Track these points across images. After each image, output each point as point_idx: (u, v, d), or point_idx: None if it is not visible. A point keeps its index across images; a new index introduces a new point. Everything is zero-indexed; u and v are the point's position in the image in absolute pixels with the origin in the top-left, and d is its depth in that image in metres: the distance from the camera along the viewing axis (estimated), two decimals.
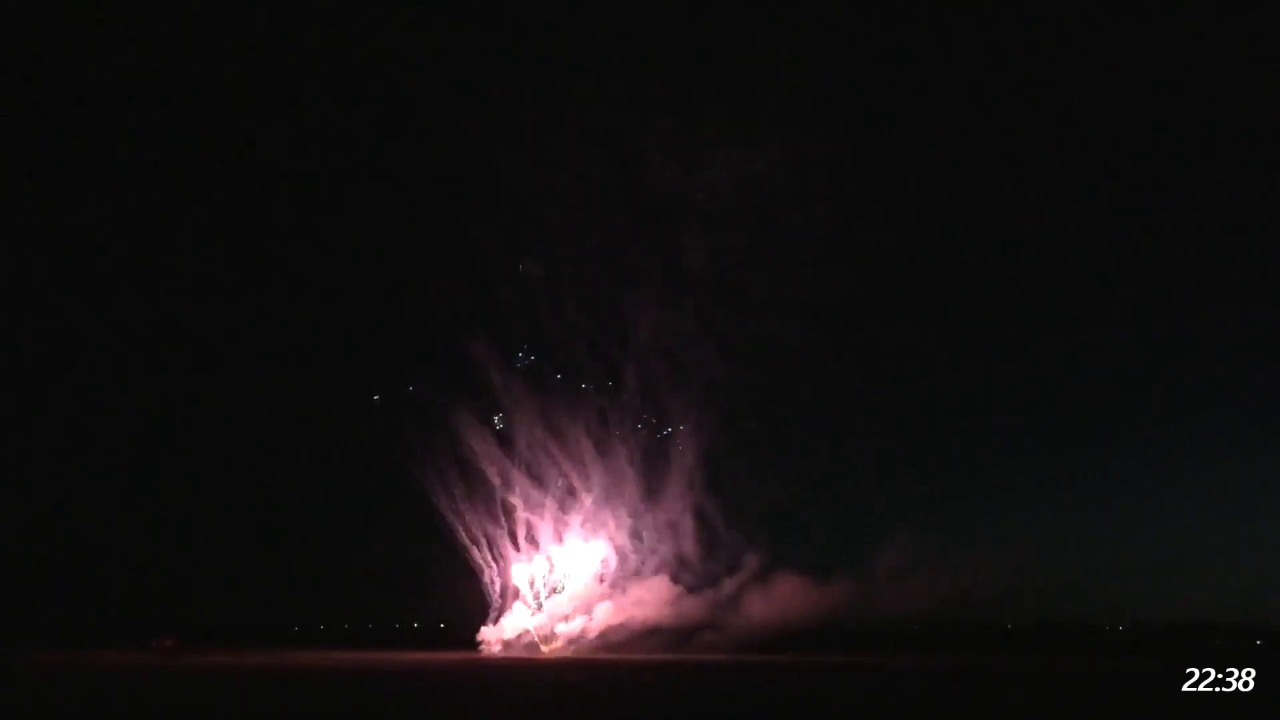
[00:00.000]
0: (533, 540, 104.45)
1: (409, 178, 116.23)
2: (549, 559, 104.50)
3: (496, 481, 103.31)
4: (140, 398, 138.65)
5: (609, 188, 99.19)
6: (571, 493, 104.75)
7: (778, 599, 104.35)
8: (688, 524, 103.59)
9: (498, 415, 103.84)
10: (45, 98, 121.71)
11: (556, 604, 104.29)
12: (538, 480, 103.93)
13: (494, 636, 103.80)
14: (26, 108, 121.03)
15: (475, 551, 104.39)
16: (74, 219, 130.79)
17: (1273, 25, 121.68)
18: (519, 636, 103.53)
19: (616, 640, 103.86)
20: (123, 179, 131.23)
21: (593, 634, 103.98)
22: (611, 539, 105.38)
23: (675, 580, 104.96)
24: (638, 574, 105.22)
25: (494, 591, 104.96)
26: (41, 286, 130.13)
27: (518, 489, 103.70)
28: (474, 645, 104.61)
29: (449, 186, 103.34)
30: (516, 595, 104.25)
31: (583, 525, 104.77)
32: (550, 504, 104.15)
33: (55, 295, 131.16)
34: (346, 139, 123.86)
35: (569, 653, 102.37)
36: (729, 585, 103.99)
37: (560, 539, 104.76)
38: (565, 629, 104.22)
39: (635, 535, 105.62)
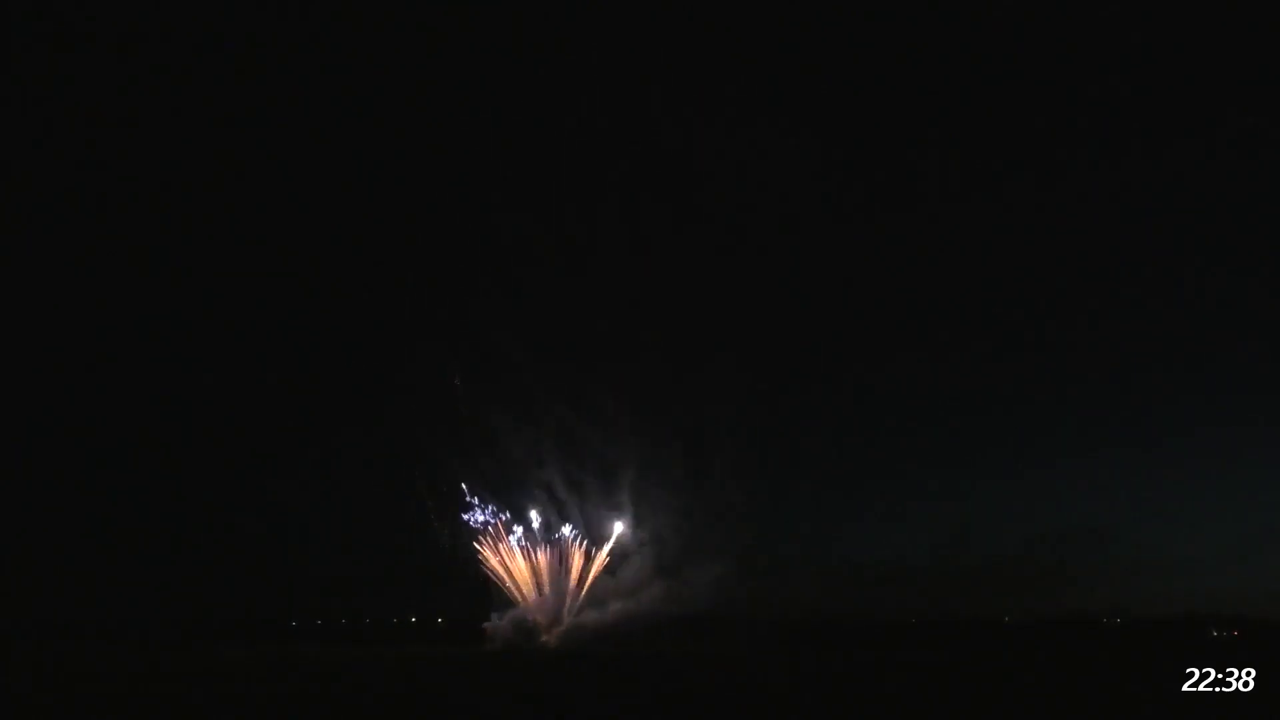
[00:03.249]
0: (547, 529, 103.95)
1: (408, 172, 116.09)
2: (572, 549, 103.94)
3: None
4: (142, 397, 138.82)
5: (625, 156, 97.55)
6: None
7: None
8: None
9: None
10: (46, 98, 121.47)
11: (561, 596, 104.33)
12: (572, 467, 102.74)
13: (497, 626, 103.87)
14: (27, 108, 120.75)
15: (482, 540, 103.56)
16: (75, 220, 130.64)
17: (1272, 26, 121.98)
18: (520, 625, 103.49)
19: (620, 632, 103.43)
20: (127, 178, 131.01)
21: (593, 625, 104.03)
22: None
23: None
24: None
25: (501, 582, 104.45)
26: (42, 286, 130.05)
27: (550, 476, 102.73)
28: (476, 637, 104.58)
29: (456, 178, 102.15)
30: (522, 586, 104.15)
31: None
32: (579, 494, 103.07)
33: (56, 295, 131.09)
34: (348, 133, 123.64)
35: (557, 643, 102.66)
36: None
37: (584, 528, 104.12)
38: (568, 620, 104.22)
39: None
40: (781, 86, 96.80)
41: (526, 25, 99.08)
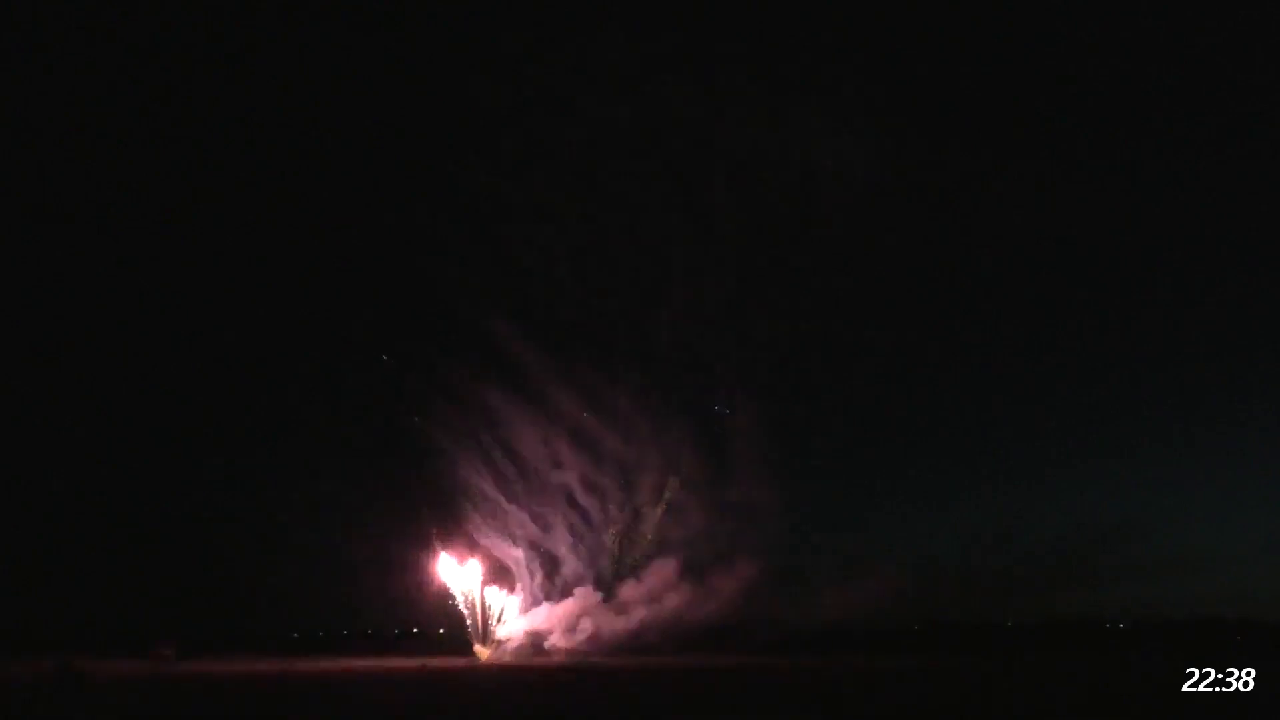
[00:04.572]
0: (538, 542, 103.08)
1: (419, 150, 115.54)
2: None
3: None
4: (142, 398, 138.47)
5: (636, 150, 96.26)
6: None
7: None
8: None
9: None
10: (46, 98, 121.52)
11: (554, 610, 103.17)
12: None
13: (491, 642, 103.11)
14: (27, 107, 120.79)
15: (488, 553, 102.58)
16: (75, 220, 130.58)
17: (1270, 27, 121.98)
18: (513, 641, 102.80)
19: (611, 645, 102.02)
20: (127, 178, 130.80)
21: (588, 640, 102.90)
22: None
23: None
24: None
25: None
26: (41, 285, 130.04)
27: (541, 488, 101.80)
28: (471, 651, 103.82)
29: (464, 157, 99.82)
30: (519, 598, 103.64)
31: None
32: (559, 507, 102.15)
33: (55, 294, 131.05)
34: (348, 133, 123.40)
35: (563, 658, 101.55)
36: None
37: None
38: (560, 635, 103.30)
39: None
40: (782, 85, 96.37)
41: (530, 22, 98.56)
